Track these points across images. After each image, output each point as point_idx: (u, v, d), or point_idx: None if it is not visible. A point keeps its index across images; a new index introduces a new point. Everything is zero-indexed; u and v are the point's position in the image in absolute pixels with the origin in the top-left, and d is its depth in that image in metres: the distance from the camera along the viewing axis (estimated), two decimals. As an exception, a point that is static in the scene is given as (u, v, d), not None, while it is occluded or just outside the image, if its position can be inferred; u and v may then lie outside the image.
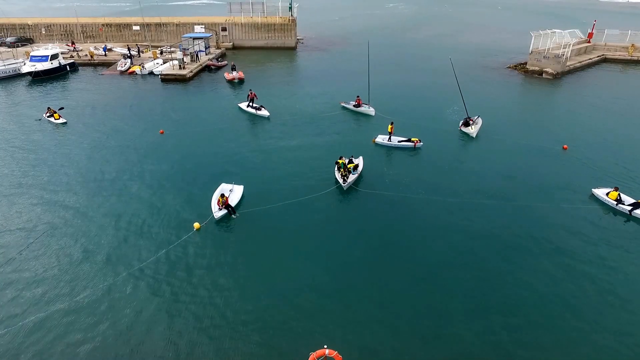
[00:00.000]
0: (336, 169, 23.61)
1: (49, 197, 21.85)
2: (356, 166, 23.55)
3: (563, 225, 19.67)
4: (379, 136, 28.77)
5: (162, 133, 30.02)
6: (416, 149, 27.59)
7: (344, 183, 22.30)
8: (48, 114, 32.08)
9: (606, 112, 34.95)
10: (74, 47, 54.72)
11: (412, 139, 27.77)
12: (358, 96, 34.12)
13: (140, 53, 52.37)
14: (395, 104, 35.29)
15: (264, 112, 32.98)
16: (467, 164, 26.05)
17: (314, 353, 11.76)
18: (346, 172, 22.62)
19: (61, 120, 31.60)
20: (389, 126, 28.41)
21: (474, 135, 29.25)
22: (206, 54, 51.65)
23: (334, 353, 11.74)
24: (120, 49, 54.38)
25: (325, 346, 11.76)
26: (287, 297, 15.48)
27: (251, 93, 34.31)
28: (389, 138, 28.25)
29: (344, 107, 34.82)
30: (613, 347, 13.49)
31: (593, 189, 22.14)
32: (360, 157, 24.88)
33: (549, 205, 21.17)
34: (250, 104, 34.00)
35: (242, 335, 13.95)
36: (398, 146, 27.91)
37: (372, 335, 13.97)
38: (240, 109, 34.76)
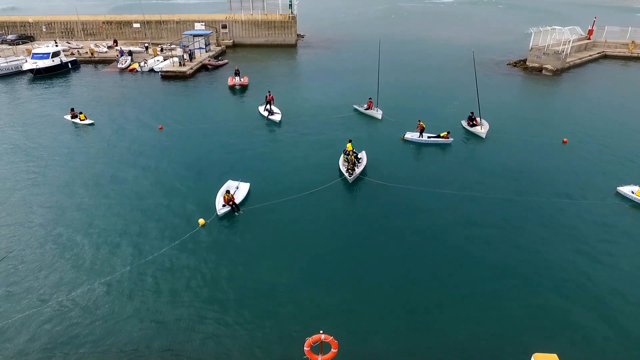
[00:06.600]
0: (342, 157, 23.77)
1: (55, 194, 22.10)
2: (360, 159, 23.76)
3: (593, 222, 19.43)
4: (408, 133, 28.39)
5: (160, 129, 30.16)
6: (448, 144, 27.37)
7: (349, 176, 22.43)
8: (71, 115, 31.88)
9: (606, 109, 34.85)
10: (116, 45, 54.56)
11: (441, 134, 27.64)
12: (370, 98, 33.10)
13: (147, 49, 52.33)
14: (399, 104, 34.49)
15: (276, 117, 31.88)
16: (478, 160, 26.01)
17: (310, 338, 11.86)
18: (351, 165, 22.71)
19: (88, 121, 31.30)
20: (420, 122, 28.01)
21: (484, 136, 28.73)
22: (206, 51, 51.76)
23: (330, 338, 11.83)
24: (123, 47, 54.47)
25: (322, 331, 11.85)
26: (286, 286, 15.70)
27: (269, 95, 33.00)
28: (420, 134, 27.92)
29: (355, 110, 33.86)
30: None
31: (618, 187, 21.59)
32: (364, 152, 24.99)
33: (572, 202, 20.92)
34: (267, 106, 32.71)
35: (242, 320, 14.18)
36: (428, 142, 27.68)
37: (368, 323, 14.15)
38: (259, 112, 33.32)
